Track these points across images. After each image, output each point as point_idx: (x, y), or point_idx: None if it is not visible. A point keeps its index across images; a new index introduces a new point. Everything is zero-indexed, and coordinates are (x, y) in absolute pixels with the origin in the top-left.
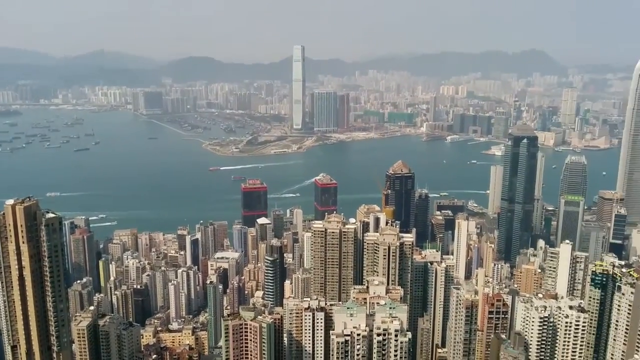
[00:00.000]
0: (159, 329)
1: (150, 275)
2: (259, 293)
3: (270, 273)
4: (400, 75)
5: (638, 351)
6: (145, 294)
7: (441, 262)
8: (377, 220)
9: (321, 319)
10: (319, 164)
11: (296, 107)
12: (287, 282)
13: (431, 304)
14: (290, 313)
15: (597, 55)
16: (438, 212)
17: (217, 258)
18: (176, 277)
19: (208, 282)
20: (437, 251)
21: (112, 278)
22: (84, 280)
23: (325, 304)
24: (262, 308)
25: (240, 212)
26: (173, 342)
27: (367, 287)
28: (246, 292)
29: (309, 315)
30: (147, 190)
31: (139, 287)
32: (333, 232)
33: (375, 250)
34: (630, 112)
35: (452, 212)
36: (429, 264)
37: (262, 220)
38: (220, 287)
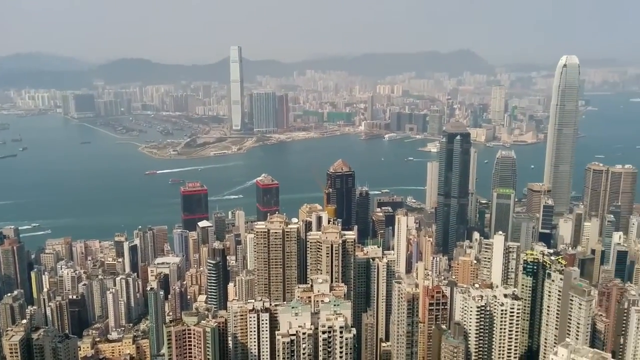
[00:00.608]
0: (98, 339)
1: (87, 285)
2: (202, 297)
3: (213, 276)
4: (338, 75)
5: (569, 334)
6: (82, 304)
7: (383, 257)
8: (319, 219)
9: (266, 320)
10: (260, 164)
11: (235, 108)
12: (230, 285)
13: (374, 299)
14: (235, 316)
15: (522, 54)
16: (378, 209)
17: (158, 264)
18: (114, 285)
19: (148, 288)
20: (378, 247)
21: (45, 289)
22: (15, 292)
23: (270, 304)
24: (206, 312)
25: (180, 216)
26: (113, 353)
27: (311, 285)
28: (189, 297)
29: (254, 317)
30: (81, 196)
31: (74, 297)
32: (276, 233)
33: (319, 248)
34: (554, 108)
35: (392, 208)
36: (371, 260)
37: (203, 224)
38: (162, 293)
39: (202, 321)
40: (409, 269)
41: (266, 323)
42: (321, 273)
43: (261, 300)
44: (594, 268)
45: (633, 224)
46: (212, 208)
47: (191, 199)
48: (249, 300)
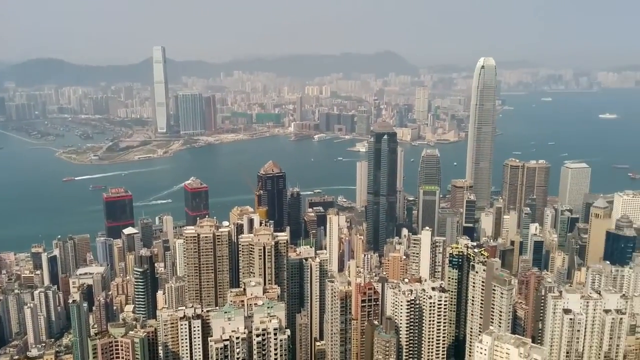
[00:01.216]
0: (16, 357)
1: (2, 300)
2: (130, 307)
3: (141, 285)
4: (266, 76)
5: (492, 322)
6: None
7: (315, 257)
8: (250, 221)
9: (198, 326)
10: (187, 168)
11: (160, 110)
12: (159, 293)
13: (308, 299)
14: (165, 324)
15: (443, 56)
16: (310, 209)
17: (80, 274)
18: (32, 299)
19: (70, 301)
20: (311, 247)
21: None
22: None
23: (202, 310)
24: (134, 322)
25: (104, 224)
26: None
27: (244, 289)
28: (115, 307)
29: (185, 324)
30: None
31: None
32: (206, 237)
33: (251, 251)
34: (474, 107)
35: (323, 208)
36: (304, 260)
37: (128, 230)
38: (85, 305)
39: (130, 332)
40: (341, 268)
41: (198, 330)
42: (254, 276)
43: (192, 306)
44: (513, 258)
45: (547, 215)
46: (137, 214)
47: (115, 205)
48: (179, 308)
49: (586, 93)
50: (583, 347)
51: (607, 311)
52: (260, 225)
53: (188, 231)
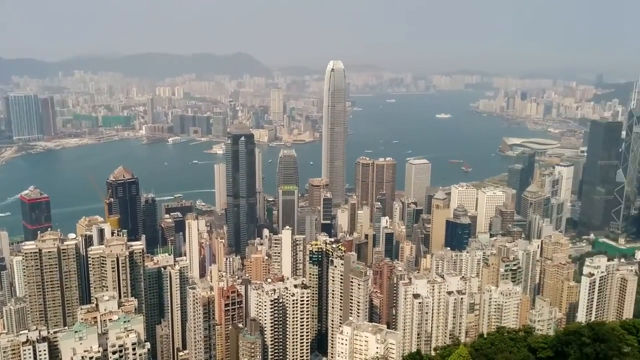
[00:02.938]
0: None
1: None
2: None
3: None
4: (112, 76)
5: (351, 313)
6: None
7: (175, 264)
8: (101, 231)
9: (45, 350)
10: (24, 177)
11: None
12: None
13: (168, 309)
14: (5, 351)
15: (296, 58)
16: (167, 215)
17: None
18: None
19: None
20: (169, 255)
21: None
22: None
23: (48, 332)
24: None
25: None
26: None
27: (97, 304)
28: None
29: (29, 350)
30: None
31: None
32: (49, 252)
33: (102, 263)
34: (326, 109)
35: (181, 213)
36: (162, 268)
37: None
38: None
39: None
40: (203, 273)
41: (45, 354)
42: (107, 290)
43: (37, 329)
44: (368, 250)
45: (396, 208)
46: None
47: None
48: (21, 332)
49: (424, 95)
50: (431, 327)
51: (449, 293)
52: (112, 235)
53: (27, 247)
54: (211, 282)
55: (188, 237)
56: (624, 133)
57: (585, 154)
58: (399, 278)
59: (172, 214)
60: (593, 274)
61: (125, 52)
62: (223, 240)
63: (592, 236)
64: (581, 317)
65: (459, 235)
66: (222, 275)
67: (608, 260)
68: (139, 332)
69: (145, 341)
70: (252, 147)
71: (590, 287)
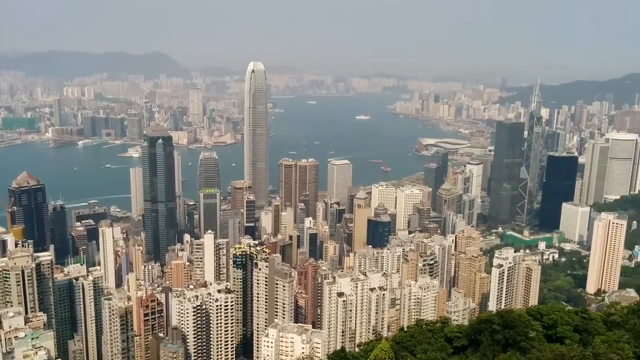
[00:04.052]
0: None
1: None
2: None
3: None
4: (13, 75)
5: (277, 315)
6: None
7: (87, 275)
8: (3, 243)
9: None
10: None
11: None
12: None
13: (82, 322)
14: None
15: (214, 59)
16: (78, 223)
17: None
18: None
19: None
20: (81, 265)
21: None
22: None
23: None
24: None
25: None
26: None
27: (0, 321)
28: None
29: None
30: None
31: None
32: None
33: (6, 277)
34: (248, 110)
35: (94, 220)
36: (73, 280)
37: None
38: None
39: None
40: (119, 283)
41: None
42: (11, 305)
43: None
44: (292, 252)
45: (319, 209)
46: None
47: None
48: None
49: (344, 97)
50: (355, 324)
51: (372, 290)
52: (17, 246)
53: None
54: (129, 291)
55: (102, 246)
56: (526, 133)
57: (493, 153)
58: (323, 278)
59: (83, 221)
60: (502, 265)
61: (26, 50)
62: (141, 248)
63: (500, 229)
64: (492, 306)
65: (380, 233)
66: (141, 284)
67: (515, 251)
68: (49, 348)
69: (56, 357)
70: (171, 149)
71: (499, 277)
